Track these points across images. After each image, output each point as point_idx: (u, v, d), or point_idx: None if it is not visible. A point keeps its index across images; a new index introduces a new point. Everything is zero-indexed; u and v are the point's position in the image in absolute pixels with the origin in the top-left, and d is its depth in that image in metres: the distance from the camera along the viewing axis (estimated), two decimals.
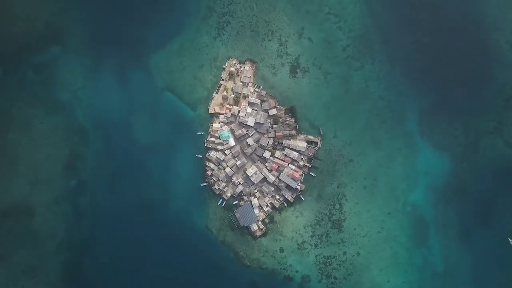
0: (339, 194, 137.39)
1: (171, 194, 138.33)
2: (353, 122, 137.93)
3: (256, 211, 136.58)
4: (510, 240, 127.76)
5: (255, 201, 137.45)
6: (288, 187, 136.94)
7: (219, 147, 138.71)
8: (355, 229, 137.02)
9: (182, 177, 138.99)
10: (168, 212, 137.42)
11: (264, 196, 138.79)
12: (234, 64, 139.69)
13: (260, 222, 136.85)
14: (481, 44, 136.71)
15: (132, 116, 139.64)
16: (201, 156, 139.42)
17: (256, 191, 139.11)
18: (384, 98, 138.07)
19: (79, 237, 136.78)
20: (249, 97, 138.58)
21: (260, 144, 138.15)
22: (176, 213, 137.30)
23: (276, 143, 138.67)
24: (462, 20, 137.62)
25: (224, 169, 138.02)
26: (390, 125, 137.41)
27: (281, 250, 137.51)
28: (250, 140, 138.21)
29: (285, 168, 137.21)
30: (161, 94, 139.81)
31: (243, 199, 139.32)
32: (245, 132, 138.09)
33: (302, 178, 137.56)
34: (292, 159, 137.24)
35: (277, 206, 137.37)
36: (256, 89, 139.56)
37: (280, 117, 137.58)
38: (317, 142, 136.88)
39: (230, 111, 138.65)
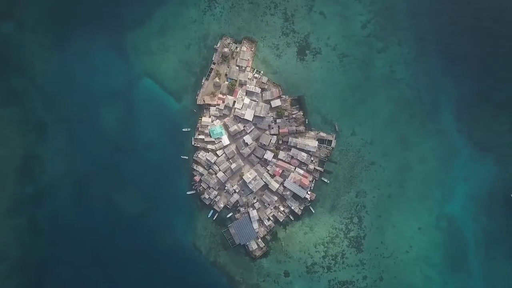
0: (357, 205, 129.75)
1: (150, 204, 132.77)
2: (375, 116, 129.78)
3: (256, 225, 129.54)
4: None
5: (254, 213, 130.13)
6: (295, 196, 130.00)
7: (209, 146, 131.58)
8: (377, 248, 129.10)
9: (163, 183, 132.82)
10: (146, 226, 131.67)
11: (265, 208, 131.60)
12: (229, 44, 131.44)
13: (260, 240, 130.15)
14: None
15: (102, 108, 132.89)
16: (187, 157, 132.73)
17: (255, 201, 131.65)
18: (414, 86, 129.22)
19: (36, 258, 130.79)
20: (247, 85, 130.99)
21: (260, 143, 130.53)
22: (156, 228, 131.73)
23: (280, 142, 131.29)
24: None
25: (215, 173, 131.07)
26: (421, 119, 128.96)
27: (286, 274, 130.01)
28: (247, 138, 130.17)
29: (291, 173, 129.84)
30: (138, 80, 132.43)
31: (239, 211, 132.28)
32: (242, 128, 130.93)
33: (312, 185, 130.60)
34: (300, 162, 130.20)
35: (281, 220, 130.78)
36: (256, 75, 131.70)
37: (285, 110, 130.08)
38: (331, 141, 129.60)
39: (223, 102, 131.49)
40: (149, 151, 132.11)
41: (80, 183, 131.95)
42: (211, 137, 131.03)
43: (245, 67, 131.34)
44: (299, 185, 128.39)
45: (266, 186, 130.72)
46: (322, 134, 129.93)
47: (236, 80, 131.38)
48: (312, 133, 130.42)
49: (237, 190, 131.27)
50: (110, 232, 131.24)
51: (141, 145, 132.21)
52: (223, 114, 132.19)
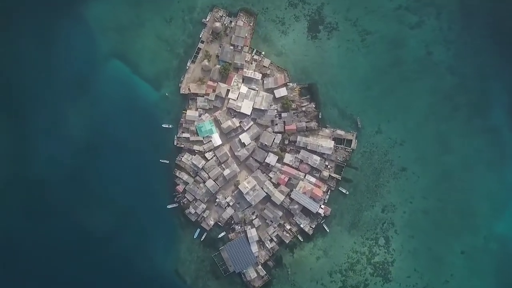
0: (384, 223, 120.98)
1: (121, 221, 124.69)
2: (407, 110, 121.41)
3: (255, 248, 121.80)
4: None
5: (252, 232, 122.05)
6: (305, 211, 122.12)
7: (196, 147, 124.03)
8: (409, 277, 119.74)
9: (138, 194, 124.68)
10: (117, 249, 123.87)
11: (267, 225, 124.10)
12: (221, 17, 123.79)
13: (260, 266, 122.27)
14: None
15: (61, 98, 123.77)
16: (168, 161, 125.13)
17: (254, 217, 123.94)
18: (456, 72, 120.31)
19: None
20: (244, 69, 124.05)
21: (261, 144, 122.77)
22: (129, 251, 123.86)
23: (287, 142, 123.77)
24: None
25: (204, 182, 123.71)
26: (466, 114, 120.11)
27: None
28: (245, 137, 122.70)
29: (300, 182, 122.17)
30: (106, 64, 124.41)
31: (233, 230, 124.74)
32: (238, 124, 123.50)
33: (327, 197, 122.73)
34: (312, 167, 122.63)
35: (287, 241, 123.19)
36: (255, 57, 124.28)
37: (293, 101, 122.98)
38: (351, 141, 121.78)
39: (213, 91, 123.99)
40: (120, 153, 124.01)
41: (33, 193, 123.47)
42: (198, 135, 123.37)
43: (242, 47, 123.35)
44: (310, 197, 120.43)
45: (268, 198, 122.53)
46: (340, 132, 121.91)
47: (230, 63, 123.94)
48: (327, 130, 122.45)
49: (231, 203, 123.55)
50: (71, 255, 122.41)
51: (110, 146, 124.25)
52: (214, 106, 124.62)
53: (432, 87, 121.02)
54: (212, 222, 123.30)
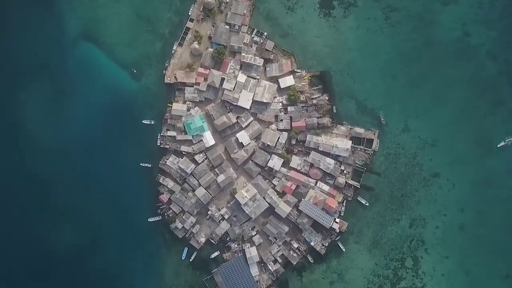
0: (412, 240, 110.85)
1: (94, 237, 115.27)
2: (439, 103, 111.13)
3: (255, 270, 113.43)
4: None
5: (252, 252, 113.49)
6: (317, 226, 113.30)
7: (184, 148, 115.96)
8: None
9: (114, 205, 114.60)
10: (89, 270, 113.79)
11: (270, 243, 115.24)
12: None
13: None
14: None
15: (23, 89, 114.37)
16: (150, 165, 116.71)
17: (254, 233, 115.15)
18: (499, 56, 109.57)
19: None
20: (243, 54, 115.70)
21: (263, 144, 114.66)
22: (103, 273, 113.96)
23: (294, 142, 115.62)
24: None
25: (193, 190, 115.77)
26: (510, 108, 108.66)
27: None
28: (243, 136, 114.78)
29: (311, 190, 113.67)
30: (74, 46, 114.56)
31: (229, 249, 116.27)
32: (234, 121, 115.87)
33: (343, 208, 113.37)
34: (324, 172, 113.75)
35: (294, 263, 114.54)
36: (256, 38, 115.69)
37: (302, 92, 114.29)
38: (372, 140, 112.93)
39: (205, 79, 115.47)
40: (93, 156, 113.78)
41: None
42: (186, 133, 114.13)
43: (240, 26, 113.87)
44: (323, 209, 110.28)
45: (271, 210, 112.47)
46: (359, 130, 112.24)
47: (225, 46, 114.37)
48: (343, 128, 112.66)
49: (226, 217, 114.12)
50: (35, 276, 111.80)
51: (80, 147, 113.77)
52: (205, 98, 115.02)
53: (470, 75, 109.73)
54: (203, 239, 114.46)
